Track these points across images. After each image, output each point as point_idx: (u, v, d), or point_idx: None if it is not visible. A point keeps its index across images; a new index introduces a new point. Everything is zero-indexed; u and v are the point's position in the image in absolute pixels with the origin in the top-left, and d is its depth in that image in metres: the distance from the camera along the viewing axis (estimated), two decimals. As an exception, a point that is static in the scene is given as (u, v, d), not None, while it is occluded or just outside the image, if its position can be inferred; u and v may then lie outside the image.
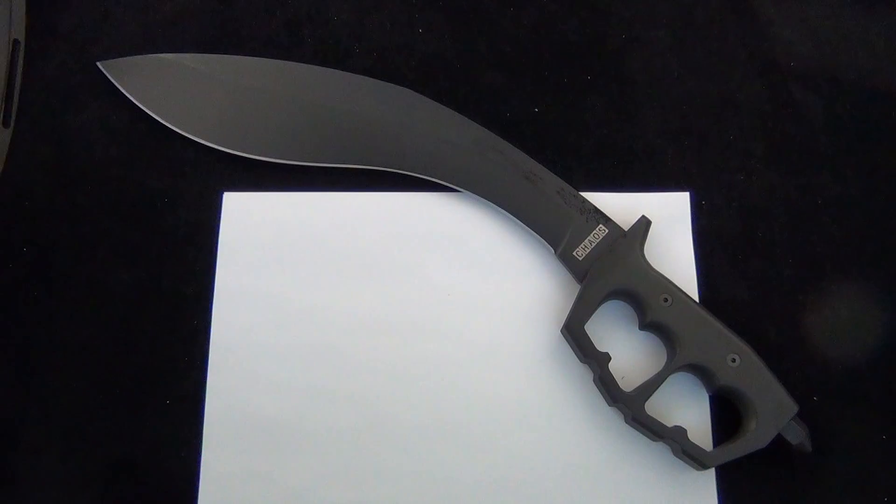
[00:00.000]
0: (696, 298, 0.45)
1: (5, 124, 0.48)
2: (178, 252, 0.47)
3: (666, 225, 0.46)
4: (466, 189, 0.46)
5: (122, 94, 0.48)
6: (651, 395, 0.41)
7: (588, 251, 0.44)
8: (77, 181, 0.48)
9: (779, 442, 0.41)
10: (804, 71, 0.49)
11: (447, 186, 0.46)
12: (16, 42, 0.49)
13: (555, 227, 0.44)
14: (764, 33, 0.50)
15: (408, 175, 0.46)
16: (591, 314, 0.43)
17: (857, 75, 0.49)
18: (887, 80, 0.49)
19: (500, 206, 0.45)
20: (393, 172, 0.47)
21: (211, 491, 0.43)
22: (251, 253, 0.46)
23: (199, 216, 0.47)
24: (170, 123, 0.47)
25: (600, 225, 0.44)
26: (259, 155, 0.47)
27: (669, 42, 0.50)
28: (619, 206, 0.46)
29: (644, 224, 0.44)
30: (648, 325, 0.43)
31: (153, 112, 0.47)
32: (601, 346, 0.42)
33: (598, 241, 0.44)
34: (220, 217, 0.47)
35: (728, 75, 0.49)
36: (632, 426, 0.42)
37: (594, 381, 0.43)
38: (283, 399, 0.44)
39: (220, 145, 0.47)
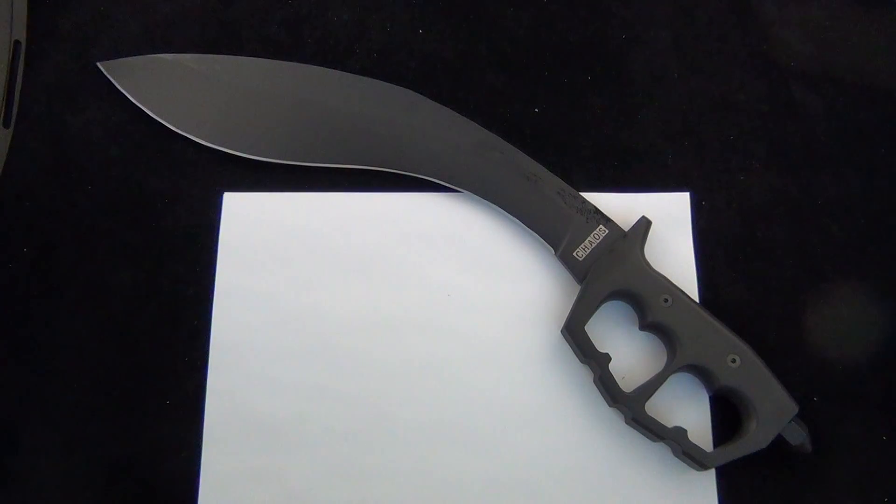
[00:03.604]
0: (697, 299, 0.45)
1: (5, 124, 0.48)
2: (178, 252, 0.47)
3: (666, 225, 0.46)
4: (467, 189, 0.46)
5: (122, 94, 0.48)
6: (651, 396, 0.41)
7: (588, 252, 0.44)
8: (77, 181, 0.48)
9: (779, 442, 0.41)
10: (804, 71, 0.49)
11: (447, 186, 0.46)
12: (17, 43, 0.49)
13: (555, 228, 0.44)
14: (764, 33, 0.50)
15: (408, 175, 0.46)
16: (592, 314, 0.42)
17: (857, 75, 0.49)
18: (887, 80, 0.49)
19: (500, 206, 0.45)
20: (393, 172, 0.47)
21: (211, 491, 0.43)
22: (251, 253, 0.46)
23: (199, 216, 0.47)
24: (170, 123, 0.47)
25: (600, 225, 0.44)
26: (259, 155, 0.47)
27: (669, 42, 0.50)
28: (619, 206, 0.46)
29: (644, 224, 0.44)
30: (648, 325, 0.43)
31: (153, 112, 0.47)
32: (601, 347, 0.42)
33: (598, 241, 0.44)
34: (220, 217, 0.47)
35: (728, 75, 0.49)
36: (632, 426, 0.42)
37: (594, 381, 0.43)
38: (283, 399, 0.44)
39: (220, 145, 0.47)
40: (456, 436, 0.44)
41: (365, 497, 0.43)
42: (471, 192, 0.46)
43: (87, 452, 0.44)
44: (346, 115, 0.47)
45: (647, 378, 0.42)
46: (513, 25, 0.50)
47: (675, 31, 0.50)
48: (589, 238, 0.44)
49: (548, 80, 0.49)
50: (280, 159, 0.47)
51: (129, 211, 0.47)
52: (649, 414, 0.41)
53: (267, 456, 0.43)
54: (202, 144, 0.47)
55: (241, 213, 0.47)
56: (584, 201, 0.45)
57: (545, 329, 0.45)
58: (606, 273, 0.43)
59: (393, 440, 0.44)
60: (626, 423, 0.42)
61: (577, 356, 0.43)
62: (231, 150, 0.47)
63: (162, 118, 0.47)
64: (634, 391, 0.41)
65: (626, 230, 0.44)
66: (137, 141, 0.48)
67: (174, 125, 0.47)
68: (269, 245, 0.46)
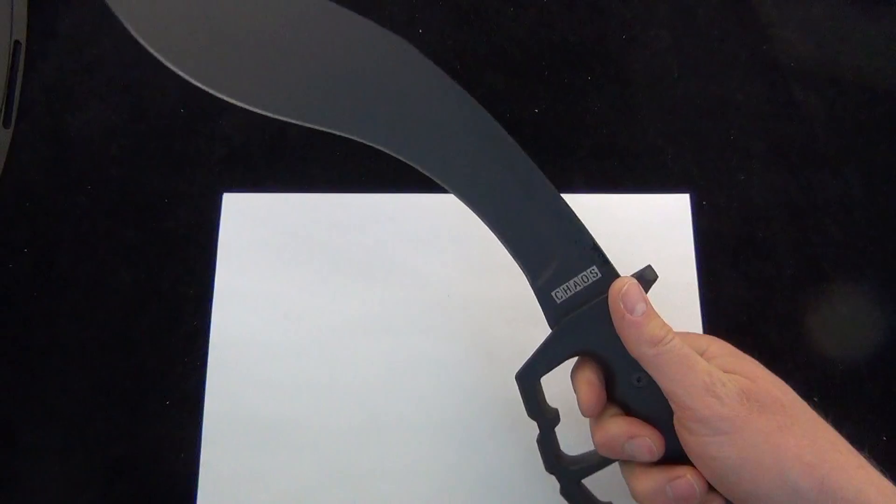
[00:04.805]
0: (697, 299, 0.45)
1: (5, 124, 0.48)
2: (178, 252, 0.47)
3: (666, 226, 0.46)
4: (447, 183, 0.38)
5: (122, 94, 0.48)
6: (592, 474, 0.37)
7: (569, 295, 0.36)
8: (77, 181, 0.48)
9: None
10: (804, 71, 0.49)
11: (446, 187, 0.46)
12: (17, 43, 0.49)
13: (539, 256, 0.36)
14: (764, 33, 0.50)
15: (407, 174, 0.46)
16: (551, 370, 0.37)
17: (857, 75, 0.49)
18: (887, 80, 0.49)
19: (480, 212, 0.37)
20: (392, 172, 0.46)
21: (210, 491, 0.43)
22: (251, 253, 0.46)
23: (199, 216, 0.47)
24: (158, 53, 0.39)
25: (594, 266, 0.36)
26: (240, 100, 0.39)
27: (669, 42, 0.50)
28: (619, 206, 0.46)
29: (647, 277, 0.36)
30: (614, 401, 0.36)
31: (143, 39, 0.39)
32: (562, 372, 0.37)
33: (584, 285, 0.36)
34: (220, 217, 0.47)
35: (728, 75, 0.49)
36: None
37: (536, 439, 0.38)
38: (283, 399, 0.44)
39: (201, 82, 0.39)
40: (455, 435, 0.44)
41: (363, 497, 0.43)
42: (451, 186, 0.37)
43: (87, 452, 0.44)
44: (343, 69, 0.40)
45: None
46: (513, 25, 0.50)
47: (675, 31, 0.50)
48: (575, 279, 0.36)
49: (548, 80, 0.49)
50: (259, 108, 0.39)
51: (129, 211, 0.47)
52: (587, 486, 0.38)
53: (266, 455, 0.43)
54: (202, 144, 0.47)
55: (240, 213, 0.47)
56: (584, 232, 0.36)
57: (545, 329, 0.45)
58: (581, 329, 0.35)
59: (391, 440, 0.44)
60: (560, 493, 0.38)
61: (525, 407, 0.38)
62: (212, 89, 0.39)
63: (151, 46, 0.40)
64: (573, 460, 0.38)
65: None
66: (137, 141, 0.48)
67: (162, 55, 0.39)
68: (268, 245, 0.46)
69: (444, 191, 0.47)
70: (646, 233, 0.46)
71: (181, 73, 0.39)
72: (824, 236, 0.47)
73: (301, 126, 0.51)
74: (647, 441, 0.34)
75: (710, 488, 0.34)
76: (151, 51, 0.39)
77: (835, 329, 0.45)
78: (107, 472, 0.43)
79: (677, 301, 0.45)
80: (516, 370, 0.45)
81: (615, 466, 0.37)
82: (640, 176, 0.48)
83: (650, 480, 0.34)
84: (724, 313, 0.43)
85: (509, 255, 0.38)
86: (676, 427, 0.34)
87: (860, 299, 0.46)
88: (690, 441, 0.33)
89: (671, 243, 0.46)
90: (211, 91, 0.39)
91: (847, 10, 0.51)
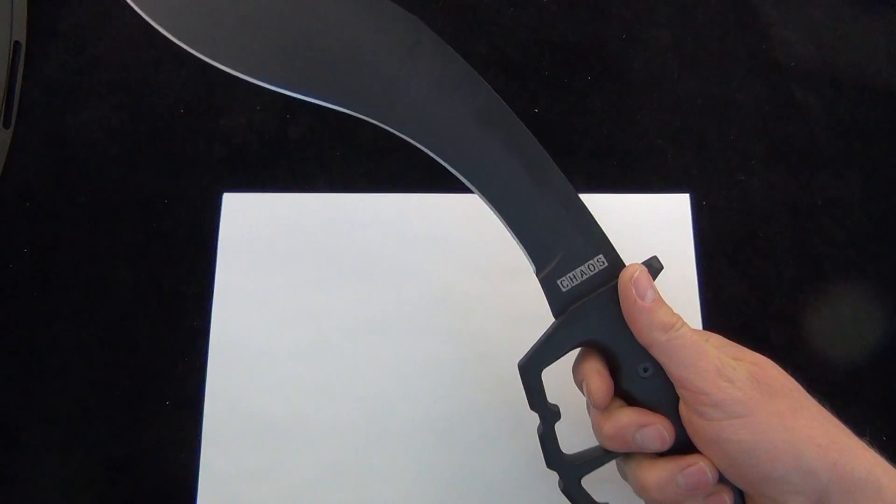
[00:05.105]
0: (697, 298, 0.45)
1: (5, 124, 0.48)
2: (178, 252, 0.47)
3: (666, 225, 0.46)
4: (458, 170, 0.37)
5: (122, 94, 0.48)
6: (592, 472, 0.36)
7: (575, 284, 0.36)
8: (77, 181, 0.48)
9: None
10: (804, 71, 0.49)
11: (446, 188, 0.46)
12: (16, 43, 0.49)
13: (545, 244, 0.36)
14: (764, 33, 0.50)
15: (407, 175, 0.46)
16: (555, 360, 0.36)
17: (857, 75, 0.49)
18: (887, 80, 0.49)
19: (485, 196, 0.36)
20: (392, 172, 0.46)
21: (210, 490, 0.43)
22: (251, 253, 0.46)
23: (199, 216, 0.47)
24: (148, 17, 0.37)
25: (600, 255, 0.36)
26: (224, 64, 0.37)
27: (669, 42, 0.50)
28: (619, 206, 0.46)
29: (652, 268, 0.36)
30: (620, 392, 0.36)
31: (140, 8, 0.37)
32: (564, 365, 0.37)
33: (591, 274, 0.36)
34: (220, 217, 0.47)
35: (728, 75, 0.49)
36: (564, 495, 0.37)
37: (537, 431, 0.37)
38: (282, 399, 0.44)
39: (181, 40, 0.36)
40: (455, 436, 0.44)
41: (363, 496, 0.43)
42: (460, 171, 0.37)
43: (87, 452, 0.44)
44: (350, 38, 0.38)
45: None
46: (513, 25, 0.50)
47: (675, 31, 0.50)
48: (582, 267, 0.36)
49: (548, 80, 0.49)
50: (251, 76, 0.37)
51: (129, 211, 0.47)
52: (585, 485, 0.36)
53: (265, 455, 0.43)
54: (201, 144, 0.47)
55: (240, 213, 0.47)
56: (591, 220, 0.36)
57: (545, 329, 0.45)
58: (588, 318, 0.35)
59: (391, 440, 0.44)
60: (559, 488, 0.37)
61: (527, 400, 0.37)
62: (192, 48, 0.37)
63: (159, 24, 0.37)
64: (575, 457, 0.36)
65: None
66: (137, 141, 0.48)
67: (151, 18, 0.37)
68: (268, 245, 0.46)
69: (443, 191, 0.47)
70: (646, 233, 0.46)
71: (195, 53, 0.37)
72: (824, 236, 0.47)
73: (301, 126, 0.51)
74: (659, 429, 0.34)
75: (720, 478, 0.33)
76: (157, 26, 0.37)
77: (835, 329, 0.45)
78: (107, 472, 0.43)
79: (677, 301, 0.44)
80: (516, 371, 0.45)
81: (611, 470, 0.37)
82: (640, 176, 0.48)
83: (659, 471, 0.34)
84: (723, 313, 0.43)
85: (510, 252, 0.38)
86: (685, 415, 0.34)
87: (860, 299, 0.46)
88: (703, 427, 0.33)
89: (671, 243, 0.46)
90: (224, 68, 0.37)
91: (847, 10, 0.51)
